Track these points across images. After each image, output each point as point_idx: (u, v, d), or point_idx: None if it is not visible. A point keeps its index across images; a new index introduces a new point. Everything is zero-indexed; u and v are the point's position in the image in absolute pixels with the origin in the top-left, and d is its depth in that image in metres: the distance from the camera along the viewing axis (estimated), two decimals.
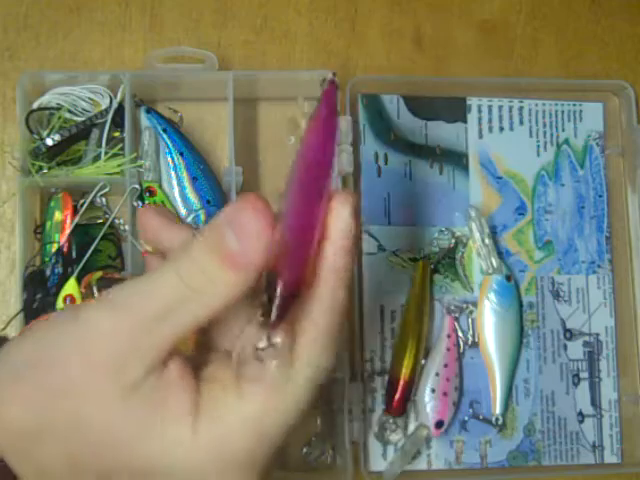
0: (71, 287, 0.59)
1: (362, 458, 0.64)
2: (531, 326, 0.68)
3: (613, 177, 0.72)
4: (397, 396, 0.64)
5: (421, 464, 0.66)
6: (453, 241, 0.68)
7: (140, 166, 0.64)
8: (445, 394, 0.64)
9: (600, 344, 0.69)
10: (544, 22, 0.74)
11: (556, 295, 0.69)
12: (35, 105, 0.64)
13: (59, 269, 0.61)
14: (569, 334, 0.69)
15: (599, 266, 0.70)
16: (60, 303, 0.58)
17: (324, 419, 0.65)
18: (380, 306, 0.67)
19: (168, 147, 0.65)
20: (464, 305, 0.67)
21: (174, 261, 0.30)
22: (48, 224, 0.62)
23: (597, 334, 0.69)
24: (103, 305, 0.30)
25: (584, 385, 0.69)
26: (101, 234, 0.62)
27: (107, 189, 0.64)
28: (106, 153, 0.64)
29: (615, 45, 0.75)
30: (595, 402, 0.69)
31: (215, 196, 0.66)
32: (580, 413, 0.68)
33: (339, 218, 0.31)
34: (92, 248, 0.61)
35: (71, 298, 0.59)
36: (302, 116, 0.69)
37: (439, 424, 0.64)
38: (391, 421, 0.64)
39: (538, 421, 0.67)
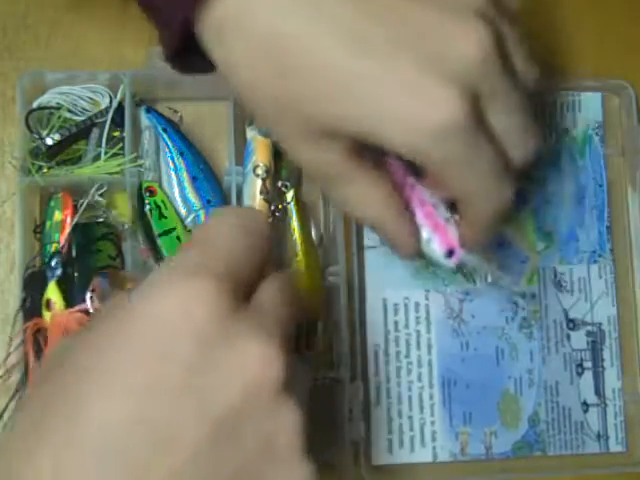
0: (51, 291, 0.58)
1: (362, 456, 0.63)
2: (534, 317, 0.68)
3: (613, 177, 0.72)
4: None
5: (426, 456, 0.65)
6: None
7: (140, 166, 0.64)
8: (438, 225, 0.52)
9: (603, 333, 0.69)
10: (544, 22, 0.74)
11: (558, 285, 0.68)
12: (35, 104, 0.64)
13: (59, 269, 0.60)
14: (572, 324, 0.68)
15: (600, 255, 0.69)
16: (43, 308, 0.58)
17: (324, 419, 0.65)
18: (382, 299, 0.66)
19: (168, 147, 0.65)
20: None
21: None
22: (48, 224, 0.62)
23: (600, 323, 0.69)
24: None
25: (588, 375, 0.68)
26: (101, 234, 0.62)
27: (106, 188, 0.63)
28: (106, 153, 0.64)
29: (615, 45, 0.75)
30: (599, 391, 0.68)
31: (215, 196, 0.65)
32: (584, 403, 0.67)
33: None
34: (92, 248, 0.61)
35: (52, 303, 0.58)
36: None
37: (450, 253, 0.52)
38: None
39: (542, 411, 0.67)
